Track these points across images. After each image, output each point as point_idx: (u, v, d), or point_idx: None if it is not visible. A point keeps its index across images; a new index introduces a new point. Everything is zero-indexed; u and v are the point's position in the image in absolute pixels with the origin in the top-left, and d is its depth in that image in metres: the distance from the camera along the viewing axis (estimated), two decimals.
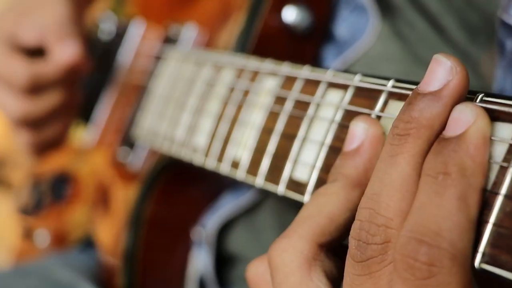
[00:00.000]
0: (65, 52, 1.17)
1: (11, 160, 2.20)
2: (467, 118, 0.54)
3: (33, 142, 1.24)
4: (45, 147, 1.26)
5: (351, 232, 0.59)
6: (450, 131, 0.55)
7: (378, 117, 0.67)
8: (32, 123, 1.21)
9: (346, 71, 0.76)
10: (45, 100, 1.19)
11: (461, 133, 0.54)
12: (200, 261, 1.13)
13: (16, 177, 2.19)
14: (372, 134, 0.65)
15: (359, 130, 0.66)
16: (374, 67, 1.02)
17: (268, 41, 1.03)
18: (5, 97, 1.19)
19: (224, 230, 1.13)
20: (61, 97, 1.21)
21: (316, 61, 1.07)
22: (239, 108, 0.88)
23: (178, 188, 1.12)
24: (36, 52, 1.21)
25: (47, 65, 1.18)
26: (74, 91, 1.24)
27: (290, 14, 1.02)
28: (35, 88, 1.17)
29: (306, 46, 1.05)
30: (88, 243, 1.29)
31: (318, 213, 0.64)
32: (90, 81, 1.37)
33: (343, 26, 1.06)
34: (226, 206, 1.11)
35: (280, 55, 1.03)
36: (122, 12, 1.45)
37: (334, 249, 0.65)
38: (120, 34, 1.34)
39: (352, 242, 0.58)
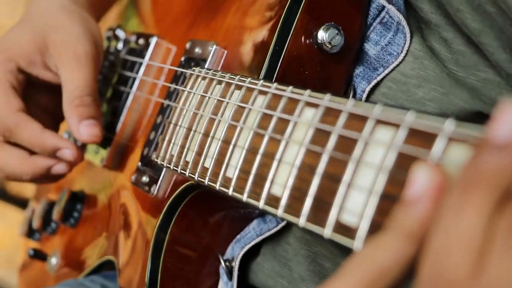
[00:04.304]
0: (81, 135, 1.12)
1: None
2: None
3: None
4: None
5: None
6: None
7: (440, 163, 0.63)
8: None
9: (395, 106, 0.71)
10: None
11: None
12: None
13: (30, 188, 2.15)
14: (436, 182, 0.59)
15: (420, 177, 0.60)
16: (407, 85, 0.98)
17: (298, 61, 0.99)
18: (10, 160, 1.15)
19: (249, 258, 1.08)
20: (31, 168, 1.15)
21: (346, 81, 1.02)
22: (275, 140, 0.83)
23: (202, 214, 1.07)
24: None
25: (33, 125, 1.13)
26: None
27: (322, 36, 0.98)
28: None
29: (337, 66, 1.01)
30: (102, 268, 1.24)
31: (369, 263, 0.60)
32: (106, 101, 1.32)
33: (374, 43, 1.02)
34: (251, 233, 1.06)
35: (310, 76, 0.99)
36: (131, 27, 1.40)
37: None
38: (135, 50, 1.29)
39: None
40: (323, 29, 0.98)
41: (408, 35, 0.98)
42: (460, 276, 0.52)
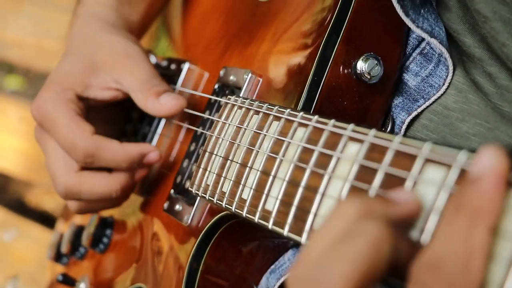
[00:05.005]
0: (165, 103, 1.12)
1: (41, 183, 2.16)
2: None
3: (80, 209, 1.17)
4: (94, 211, 1.21)
5: None
6: None
7: None
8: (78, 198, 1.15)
9: (444, 143, 0.70)
10: (97, 181, 1.12)
11: None
12: None
13: (48, 201, 2.15)
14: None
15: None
16: (449, 118, 0.97)
17: (337, 92, 0.98)
18: (59, 166, 1.13)
19: None
20: (118, 184, 1.13)
21: (384, 111, 1.01)
22: (317, 175, 0.81)
23: (236, 244, 1.06)
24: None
25: (112, 144, 1.11)
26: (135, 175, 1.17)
27: (362, 66, 0.97)
28: (90, 165, 1.11)
29: (375, 97, 1.00)
30: None
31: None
32: (137, 126, 1.31)
33: (414, 73, 1.01)
34: (286, 264, 1.05)
35: (348, 106, 0.98)
36: (161, 50, 1.39)
37: None
38: (167, 76, 1.28)
39: None
40: (362, 59, 0.97)
41: (451, 67, 0.97)
42: None
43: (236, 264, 1.07)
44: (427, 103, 0.99)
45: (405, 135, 1.01)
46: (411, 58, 1.01)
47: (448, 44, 0.97)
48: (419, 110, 0.99)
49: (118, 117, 1.29)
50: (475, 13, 0.93)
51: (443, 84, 0.98)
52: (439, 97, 0.98)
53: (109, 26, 1.22)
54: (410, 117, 0.99)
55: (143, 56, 1.17)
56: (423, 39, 1.00)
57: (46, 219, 2.17)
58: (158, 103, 1.11)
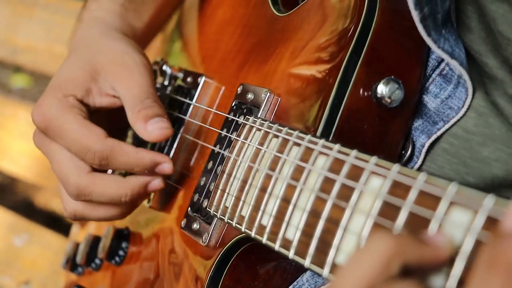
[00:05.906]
0: (151, 131, 1.10)
1: (50, 187, 2.16)
2: None
3: (77, 214, 1.17)
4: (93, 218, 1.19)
5: None
6: None
7: None
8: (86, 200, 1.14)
9: (471, 185, 0.69)
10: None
11: None
12: None
13: (57, 202, 2.14)
14: None
15: None
16: (470, 142, 0.96)
17: (357, 116, 0.97)
18: (69, 167, 1.12)
19: None
20: (129, 189, 1.12)
21: (404, 134, 1.01)
22: (339, 207, 0.81)
23: (254, 265, 1.06)
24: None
25: (126, 147, 1.11)
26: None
27: (382, 90, 0.96)
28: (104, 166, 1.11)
29: (395, 120, 0.99)
30: None
31: None
32: None
33: (433, 95, 1.00)
34: (305, 286, 1.05)
35: (368, 130, 0.97)
36: (176, 60, 1.38)
37: None
38: (183, 89, 1.27)
39: None
40: (383, 83, 0.96)
41: (470, 90, 0.96)
42: None
43: (253, 285, 1.06)
44: (447, 126, 0.98)
45: (425, 159, 1.00)
46: (430, 79, 1.00)
47: (468, 65, 0.96)
48: (438, 133, 0.98)
49: (122, 123, 1.27)
50: (498, 35, 0.92)
51: (463, 106, 0.97)
52: (458, 120, 0.97)
53: (112, 31, 1.21)
54: (430, 141, 0.99)
55: (141, 67, 1.15)
56: (442, 60, 0.99)
57: (55, 221, 2.18)
58: (145, 129, 1.10)
